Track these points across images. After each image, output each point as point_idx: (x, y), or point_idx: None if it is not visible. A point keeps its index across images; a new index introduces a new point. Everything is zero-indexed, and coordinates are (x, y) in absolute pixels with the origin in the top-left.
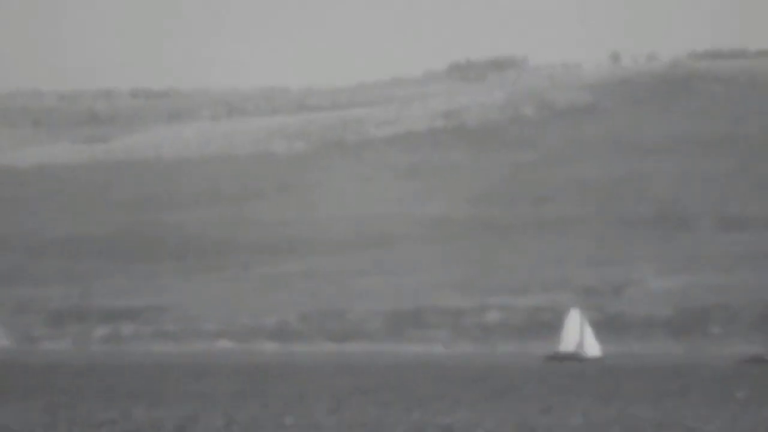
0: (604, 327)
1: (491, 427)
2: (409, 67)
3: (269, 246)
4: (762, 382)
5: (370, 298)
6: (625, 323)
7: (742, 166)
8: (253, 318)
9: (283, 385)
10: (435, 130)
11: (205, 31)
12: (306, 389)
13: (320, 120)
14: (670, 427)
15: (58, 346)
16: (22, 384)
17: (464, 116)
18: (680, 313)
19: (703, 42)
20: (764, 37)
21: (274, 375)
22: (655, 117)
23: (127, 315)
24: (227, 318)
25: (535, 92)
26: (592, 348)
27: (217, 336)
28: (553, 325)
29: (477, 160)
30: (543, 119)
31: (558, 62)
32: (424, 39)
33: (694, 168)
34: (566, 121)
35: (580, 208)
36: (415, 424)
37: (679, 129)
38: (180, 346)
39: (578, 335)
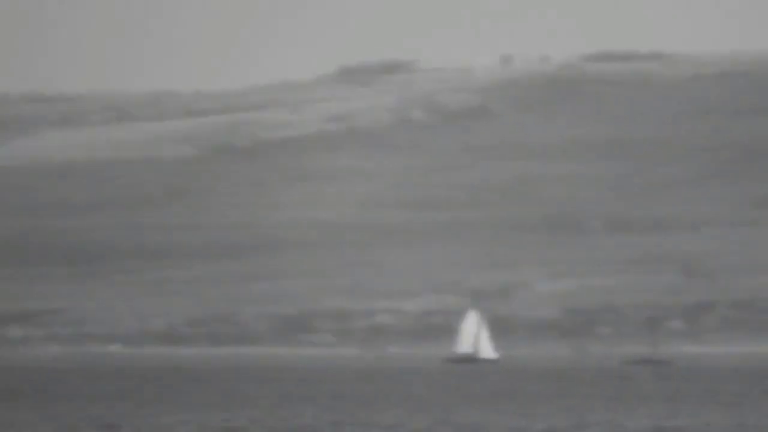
0: (492, 329)
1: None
2: (300, 70)
3: (158, 251)
4: (647, 383)
5: (258, 302)
6: (514, 325)
7: (631, 169)
8: (141, 322)
9: (166, 389)
10: (326, 134)
11: (95, 35)
12: (186, 392)
13: (210, 124)
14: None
15: None
16: None
17: (355, 120)
18: (568, 315)
19: (593, 44)
20: (654, 38)
21: (157, 378)
22: (546, 120)
23: (16, 319)
24: (116, 322)
25: (425, 96)
26: (488, 350)
27: (107, 340)
28: (442, 328)
29: (368, 163)
30: (434, 123)
31: (449, 65)
32: (314, 42)
33: (584, 171)
34: (457, 125)
35: (469, 211)
36: (281, 423)
37: (570, 131)
38: (70, 350)
39: (475, 337)
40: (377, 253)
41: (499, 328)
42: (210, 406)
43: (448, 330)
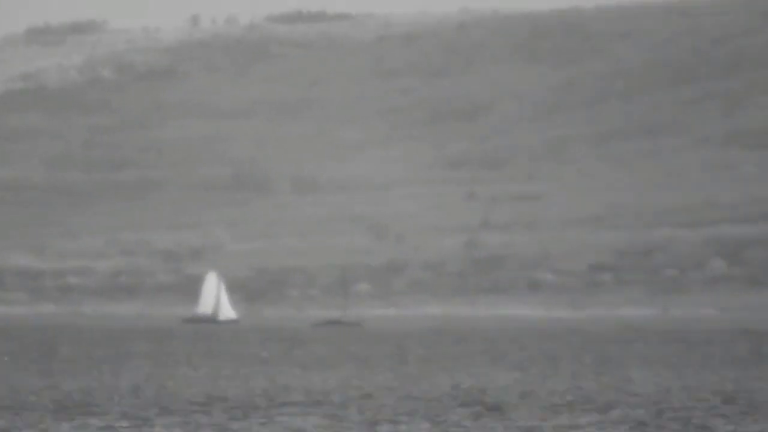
0: (181, 290)
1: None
2: None
3: None
4: (334, 343)
5: None
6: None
7: (319, 130)
8: None
9: None
10: (12, 93)
11: None
12: None
13: None
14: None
15: None
16: None
17: (43, 79)
18: (257, 277)
19: (281, 5)
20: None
21: None
22: (234, 80)
23: None
24: None
25: (114, 55)
26: (228, 311)
27: None
28: (132, 289)
29: (55, 123)
30: (122, 82)
31: (137, 26)
32: (2, 3)
33: (272, 131)
34: (145, 85)
35: (157, 171)
36: None
37: (258, 92)
38: None
39: (215, 298)
40: (65, 213)
41: (191, 289)
42: None
43: (138, 290)
